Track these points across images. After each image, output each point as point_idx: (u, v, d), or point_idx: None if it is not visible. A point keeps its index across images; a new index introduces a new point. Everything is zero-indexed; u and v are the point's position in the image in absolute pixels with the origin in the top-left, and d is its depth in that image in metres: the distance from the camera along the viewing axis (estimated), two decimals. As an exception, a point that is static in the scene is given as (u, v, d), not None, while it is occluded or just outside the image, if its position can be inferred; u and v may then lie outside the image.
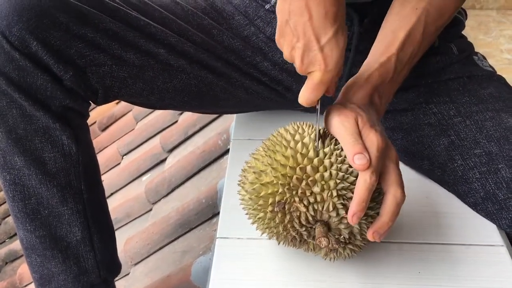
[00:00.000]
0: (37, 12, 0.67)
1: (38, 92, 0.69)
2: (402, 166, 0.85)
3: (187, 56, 0.79)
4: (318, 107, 0.64)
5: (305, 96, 0.62)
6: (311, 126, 0.64)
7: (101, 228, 0.80)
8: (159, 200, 1.32)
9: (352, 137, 0.59)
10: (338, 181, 0.58)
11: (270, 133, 0.67)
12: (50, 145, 0.72)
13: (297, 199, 0.59)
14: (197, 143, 1.37)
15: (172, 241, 1.13)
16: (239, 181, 0.66)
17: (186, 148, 1.43)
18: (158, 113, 1.75)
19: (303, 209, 0.59)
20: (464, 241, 0.73)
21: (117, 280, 1.20)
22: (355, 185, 0.59)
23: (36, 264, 0.77)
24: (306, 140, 0.61)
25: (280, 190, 0.59)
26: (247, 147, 0.75)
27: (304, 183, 0.59)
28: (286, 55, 0.62)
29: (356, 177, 0.59)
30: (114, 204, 1.46)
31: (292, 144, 0.61)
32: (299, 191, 0.59)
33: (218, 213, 0.84)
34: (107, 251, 0.81)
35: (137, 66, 0.76)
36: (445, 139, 0.78)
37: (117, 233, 1.26)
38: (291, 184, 0.59)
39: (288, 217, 0.60)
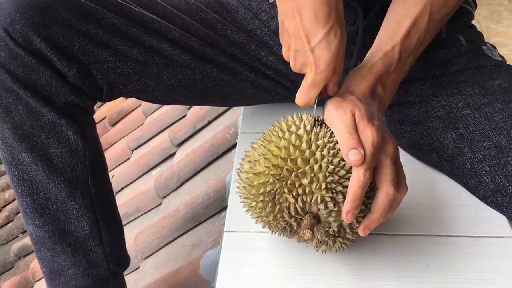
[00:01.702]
0: (40, 8, 0.67)
1: (43, 88, 0.70)
2: (410, 157, 0.85)
3: (191, 51, 0.79)
4: (315, 106, 0.65)
5: (300, 97, 0.63)
6: (310, 118, 0.64)
7: (109, 222, 0.80)
8: (169, 194, 1.33)
9: (348, 132, 0.58)
10: (327, 174, 0.58)
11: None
12: (56, 141, 0.73)
13: (286, 190, 0.59)
14: (205, 137, 1.36)
15: (181, 235, 1.13)
16: (237, 169, 0.67)
17: (195, 142, 1.43)
18: (167, 108, 1.75)
19: (291, 200, 0.59)
20: (473, 233, 0.72)
21: (127, 274, 1.21)
22: (345, 178, 0.58)
23: (46, 259, 0.78)
24: (300, 131, 0.61)
25: (271, 181, 0.60)
26: (254, 140, 0.74)
27: (293, 174, 0.59)
28: (284, 54, 0.64)
29: (347, 171, 0.59)
30: (124, 199, 1.46)
31: (286, 135, 0.61)
32: (289, 182, 0.59)
33: (227, 206, 0.83)
34: (116, 244, 0.81)
35: (141, 62, 0.76)
36: (453, 132, 0.77)
37: (127, 228, 1.27)
38: (281, 175, 0.59)
39: (277, 207, 0.61)
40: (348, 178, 0.58)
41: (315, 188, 0.58)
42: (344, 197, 0.58)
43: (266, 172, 0.60)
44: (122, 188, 1.60)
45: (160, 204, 1.35)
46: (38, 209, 0.75)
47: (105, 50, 0.72)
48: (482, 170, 0.74)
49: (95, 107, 0.81)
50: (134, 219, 1.40)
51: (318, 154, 0.59)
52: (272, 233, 0.67)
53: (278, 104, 0.96)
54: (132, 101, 2.06)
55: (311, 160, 0.59)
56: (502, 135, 0.73)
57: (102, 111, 2.17)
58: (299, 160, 0.59)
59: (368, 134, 0.58)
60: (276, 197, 0.60)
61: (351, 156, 0.57)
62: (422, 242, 0.71)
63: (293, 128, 0.62)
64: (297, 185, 0.59)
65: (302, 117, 0.64)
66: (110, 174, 1.71)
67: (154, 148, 1.58)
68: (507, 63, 0.84)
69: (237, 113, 1.28)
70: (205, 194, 1.12)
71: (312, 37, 0.59)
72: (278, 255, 0.71)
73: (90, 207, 0.77)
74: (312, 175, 0.58)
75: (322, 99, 0.64)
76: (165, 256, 1.13)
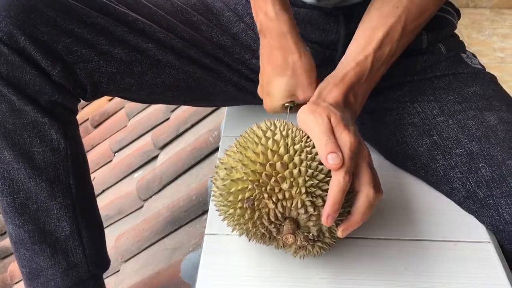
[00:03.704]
0: (24, 7, 0.67)
1: (27, 86, 0.70)
2: (388, 164, 0.86)
3: (176, 52, 0.79)
4: (288, 112, 0.72)
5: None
6: (283, 123, 0.65)
7: (90, 223, 0.80)
8: (150, 197, 1.33)
9: (325, 136, 0.59)
10: (307, 178, 0.58)
11: None
12: (38, 140, 0.73)
13: (266, 195, 0.59)
14: (188, 140, 1.37)
15: (162, 238, 1.13)
16: (211, 177, 0.66)
17: (177, 145, 1.44)
18: (150, 110, 1.75)
19: (271, 205, 0.59)
20: (451, 238, 0.73)
21: (107, 277, 1.20)
22: (324, 182, 0.59)
23: (25, 259, 0.78)
24: (277, 137, 0.61)
25: (250, 187, 0.59)
26: None
27: (273, 179, 0.58)
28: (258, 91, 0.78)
29: (326, 174, 0.59)
30: (106, 201, 1.46)
31: (263, 140, 0.61)
32: (268, 187, 0.59)
33: (208, 210, 0.84)
34: (96, 246, 0.81)
35: (125, 62, 0.76)
36: (428, 139, 0.78)
37: (108, 230, 1.26)
38: (260, 181, 0.59)
39: (257, 213, 0.60)
40: (327, 182, 0.59)
41: (295, 192, 0.58)
42: (324, 201, 0.58)
43: (245, 178, 0.59)
44: (103, 191, 1.59)
45: (142, 206, 1.34)
46: (18, 208, 0.75)
47: (89, 49, 0.72)
48: (454, 177, 0.75)
49: (78, 108, 0.80)
50: (115, 222, 1.39)
51: (296, 159, 0.59)
52: (249, 240, 0.66)
53: (261, 107, 0.96)
54: (115, 102, 2.06)
55: (290, 165, 0.59)
56: (473, 142, 0.75)
57: (85, 113, 2.15)
58: (278, 165, 0.59)
59: (346, 138, 0.59)
60: (256, 203, 0.59)
61: (330, 160, 0.57)
62: (401, 246, 0.72)
63: (269, 134, 0.62)
64: (277, 190, 0.59)
65: (275, 123, 0.64)
66: (91, 176, 1.71)
67: (136, 150, 1.58)
68: (486, 71, 0.85)
69: (221, 116, 1.28)
70: (186, 197, 1.12)
71: (267, 84, 0.74)
72: (259, 258, 0.71)
73: (71, 207, 0.77)
74: (292, 179, 0.58)
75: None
76: (145, 259, 1.12)
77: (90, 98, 0.78)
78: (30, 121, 0.71)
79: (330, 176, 0.59)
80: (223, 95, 0.88)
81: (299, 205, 0.58)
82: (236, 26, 0.86)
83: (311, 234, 0.61)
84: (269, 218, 0.60)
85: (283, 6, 0.71)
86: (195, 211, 1.09)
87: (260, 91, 0.77)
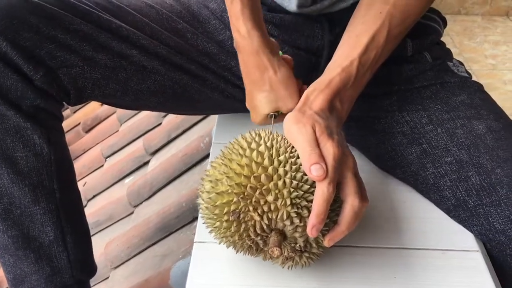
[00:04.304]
0: (7, 13, 0.69)
1: (9, 91, 0.70)
2: (378, 170, 0.86)
3: (161, 58, 0.80)
4: (272, 121, 0.74)
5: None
6: (268, 133, 0.65)
7: (75, 229, 0.81)
8: (141, 203, 1.33)
9: (309, 146, 0.60)
10: (292, 189, 0.58)
11: None
12: (21, 145, 0.73)
13: (251, 208, 0.59)
14: (179, 146, 1.38)
15: (152, 244, 1.14)
16: (198, 189, 0.66)
17: (169, 151, 1.44)
18: (142, 115, 1.76)
19: (257, 218, 0.59)
20: (440, 246, 0.74)
21: (96, 283, 1.21)
22: (309, 193, 0.59)
23: (9, 265, 0.78)
24: (261, 148, 0.62)
25: (235, 200, 0.59)
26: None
27: (258, 192, 0.59)
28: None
29: (311, 185, 0.59)
30: (97, 207, 1.46)
31: (247, 152, 0.61)
32: (253, 200, 0.59)
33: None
34: (81, 251, 0.82)
35: (110, 67, 0.77)
36: (417, 147, 0.79)
37: (98, 236, 1.26)
38: (245, 193, 0.59)
39: (243, 226, 0.60)
40: (312, 193, 0.59)
41: (280, 204, 0.58)
42: (309, 212, 0.58)
43: (230, 191, 0.60)
44: (94, 196, 1.59)
45: (132, 213, 1.35)
46: (2, 213, 0.75)
47: (72, 54, 0.73)
48: (444, 185, 0.76)
49: (69, 113, 0.81)
50: (105, 228, 1.39)
51: (281, 170, 0.59)
52: (237, 252, 0.67)
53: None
54: (107, 107, 2.06)
55: (275, 177, 0.59)
56: (463, 151, 0.76)
57: (77, 117, 2.17)
58: (262, 177, 0.59)
59: (330, 149, 0.59)
60: (241, 215, 0.60)
61: (314, 171, 0.58)
62: (390, 254, 0.72)
63: (253, 145, 0.62)
64: (262, 203, 0.59)
65: (260, 134, 0.65)
66: (82, 182, 1.70)
67: (127, 156, 1.59)
68: (476, 79, 0.87)
69: (212, 122, 1.29)
70: (177, 203, 1.13)
71: (250, 99, 0.76)
72: (248, 267, 0.71)
73: (55, 212, 0.77)
74: (277, 191, 0.58)
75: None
76: (135, 266, 1.13)
77: (74, 103, 0.79)
78: (12, 126, 0.72)
79: (315, 187, 0.59)
80: (210, 102, 0.89)
81: (285, 217, 0.59)
82: (222, 34, 0.87)
83: (298, 245, 0.62)
84: (255, 231, 0.60)
85: (255, 23, 0.72)
86: (186, 217, 1.10)
87: (247, 104, 0.79)
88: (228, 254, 0.72)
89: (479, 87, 0.85)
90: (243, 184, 0.59)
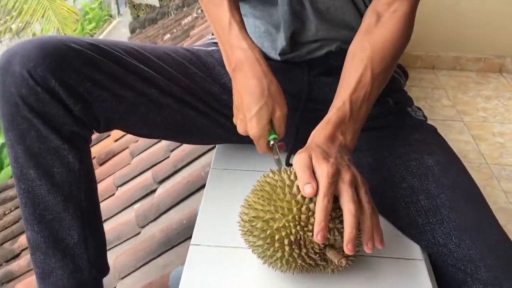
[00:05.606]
0: (57, 57, 0.79)
1: (53, 118, 0.81)
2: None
3: (174, 96, 0.90)
4: (274, 157, 0.83)
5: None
6: (288, 170, 0.73)
7: (94, 234, 0.90)
8: (147, 224, 1.40)
9: (301, 170, 0.68)
10: None
11: (244, 163, 0.75)
12: (59, 162, 0.83)
13: (310, 234, 0.67)
14: (184, 175, 1.44)
15: (156, 257, 1.21)
16: (242, 230, 0.73)
17: (174, 179, 1.49)
18: (152, 150, 1.81)
19: (315, 240, 0.66)
20: (389, 254, 0.82)
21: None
22: (339, 208, 0.68)
23: (40, 261, 0.87)
24: (295, 183, 0.69)
25: (294, 231, 0.67)
26: (225, 175, 0.89)
27: (311, 219, 0.67)
28: (234, 121, 0.88)
29: (335, 202, 0.67)
30: (107, 228, 1.48)
31: (287, 190, 0.69)
32: (309, 226, 0.67)
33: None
34: (98, 253, 0.91)
35: (133, 103, 0.87)
36: (379, 175, 0.90)
37: (108, 253, 1.35)
38: (301, 223, 0.66)
39: (304, 250, 0.68)
40: (333, 208, 0.67)
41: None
42: (341, 222, 0.67)
43: (286, 224, 0.67)
44: (105, 220, 1.62)
45: (139, 233, 1.41)
46: (37, 217, 0.85)
47: (105, 91, 0.83)
48: (399, 206, 0.87)
49: (91, 138, 0.94)
50: (114, 246, 1.45)
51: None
52: (293, 273, 0.74)
53: (246, 145, 1.05)
54: (121, 143, 2.11)
55: (311, 205, 0.68)
56: (415, 179, 0.87)
57: (92, 151, 2.07)
58: (311, 205, 0.67)
59: (323, 168, 0.67)
60: (302, 242, 0.67)
61: (306, 189, 0.67)
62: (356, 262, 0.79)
63: (288, 182, 0.70)
64: (311, 227, 0.66)
65: (282, 171, 0.74)
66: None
67: (137, 184, 1.63)
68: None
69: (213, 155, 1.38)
70: (178, 221, 1.21)
71: (247, 113, 0.82)
72: (242, 270, 0.78)
73: (80, 218, 0.87)
74: None
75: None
76: (140, 276, 1.20)
77: (102, 130, 0.89)
78: (53, 146, 0.82)
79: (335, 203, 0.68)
80: (213, 134, 1.00)
81: (337, 233, 0.68)
82: (224, 78, 0.97)
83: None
84: (314, 251, 0.68)
85: (252, 41, 0.84)
86: (186, 233, 1.18)
87: (239, 123, 0.85)
88: (222, 256, 0.79)
89: (433, 129, 0.97)
90: (296, 216, 0.67)
